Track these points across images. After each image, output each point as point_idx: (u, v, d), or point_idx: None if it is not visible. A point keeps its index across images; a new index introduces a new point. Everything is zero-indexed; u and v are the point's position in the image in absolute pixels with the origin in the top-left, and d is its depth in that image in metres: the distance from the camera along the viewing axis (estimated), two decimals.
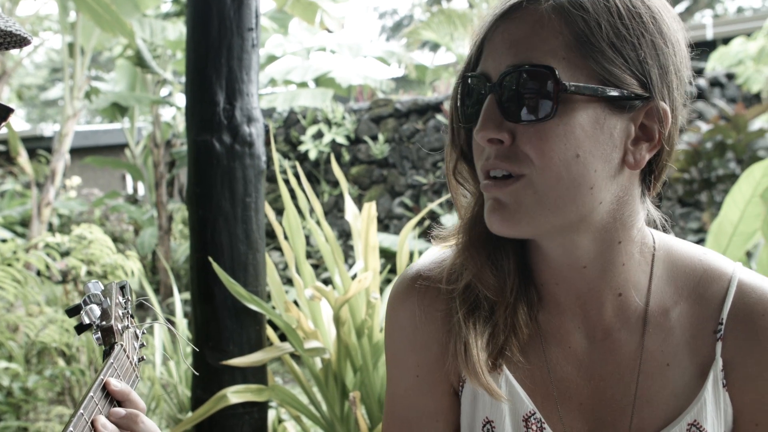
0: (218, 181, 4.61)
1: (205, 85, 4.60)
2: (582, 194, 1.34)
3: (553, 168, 1.31)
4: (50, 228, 13.52)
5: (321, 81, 14.00)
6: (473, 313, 1.50)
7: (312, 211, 9.44)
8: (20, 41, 1.19)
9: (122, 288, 1.70)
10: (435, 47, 27.27)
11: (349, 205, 5.49)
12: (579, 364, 1.50)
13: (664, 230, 1.59)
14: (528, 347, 1.50)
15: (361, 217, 5.11)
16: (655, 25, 1.35)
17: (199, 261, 4.67)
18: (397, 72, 17.81)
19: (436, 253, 1.64)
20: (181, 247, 12.87)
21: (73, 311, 1.60)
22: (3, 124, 1.16)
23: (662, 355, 1.46)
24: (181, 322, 6.70)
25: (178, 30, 10.79)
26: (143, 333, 1.71)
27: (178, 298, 7.05)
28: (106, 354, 1.50)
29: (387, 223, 11.52)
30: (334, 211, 11.94)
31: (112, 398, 1.39)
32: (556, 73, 1.29)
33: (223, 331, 4.65)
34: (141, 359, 1.64)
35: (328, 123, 12.15)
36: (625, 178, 1.39)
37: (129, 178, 21.56)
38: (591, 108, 1.32)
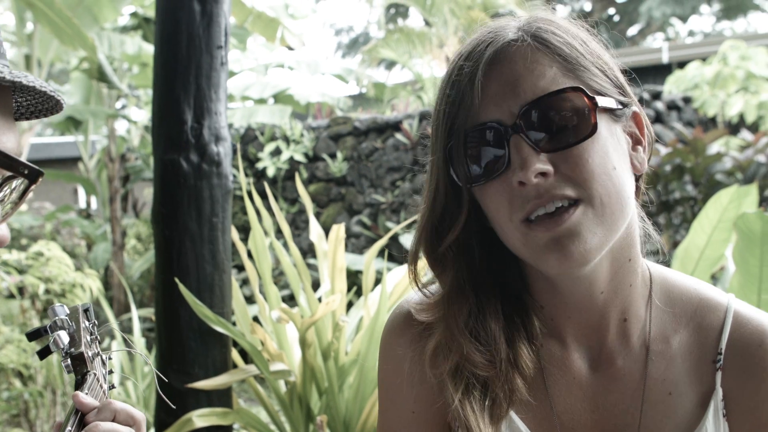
0: (185, 200, 4.54)
1: (173, 103, 4.54)
2: (627, 204, 1.36)
3: (603, 184, 1.32)
4: None
5: (279, 98, 13.98)
6: (468, 395, 1.46)
7: (278, 230, 9.41)
8: (55, 106, 1.18)
9: (86, 311, 1.65)
10: (391, 65, 27.38)
11: (314, 225, 5.45)
12: (583, 395, 1.49)
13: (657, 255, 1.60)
14: (531, 381, 1.48)
15: (329, 240, 5.08)
16: (598, 43, 1.44)
17: (164, 281, 4.60)
18: (354, 89, 17.84)
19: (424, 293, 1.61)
20: (135, 263, 12.73)
21: (33, 335, 1.58)
22: (34, 186, 1.13)
23: (664, 383, 1.47)
24: (139, 341, 6.62)
25: (136, 44, 10.72)
26: (110, 359, 1.66)
27: (136, 316, 6.98)
28: (79, 384, 1.47)
29: (345, 241, 11.49)
30: (291, 228, 11.88)
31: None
32: (586, 91, 1.32)
33: (188, 353, 4.58)
34: (111, 387, 1.61)
35: (287, 140, 12.10)
36: (632, 182, 1.42)
37: (81, 192, 21.35)
38: (604, 121, 1.35)
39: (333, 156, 11.78)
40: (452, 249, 1.46)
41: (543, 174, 1.30)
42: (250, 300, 9.63)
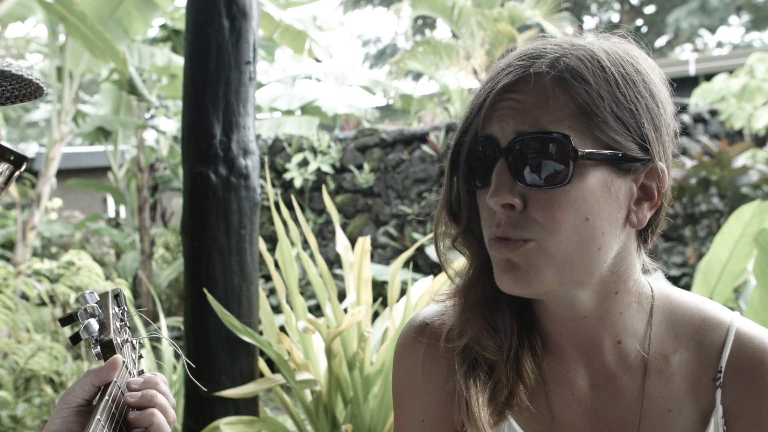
0: (213, 213, 4.63)
1: (202, 117, 4.63)
2: (590, 255, 1.39)
3: (563, 232, 1.36)
4: (34, 252, 13.47)
5: (307, 109, 14.05)
6: (472, 372, 1.53)
7: (305, 240, 9.46)
8: (36, 91, 1.20)
9: (116, 296, 1.67)
10: (417, 76, 27.41)
11: (340, 236, 5.52)
12: (583, 411, 1.53)
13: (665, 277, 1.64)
14: (532, 395, 1.53)
15: (355, 251, 5.15)
16: (647, 88, 1.41)
17: (193, 292, 4.69)
18: (381, 101, 17.88)
19: (441, 304, 1.68)
20: (164, 272, 12.83)
21: (66, 320, 1.59)
22: (18, 172, 1.16)
23: (663, 401, 1.50)
24: (168, 350, 6.69)
25: (166, 56, 10.82)
26: (140, 344, 1.69)
27: (165, 325, 7.04)
28: None
29: (371, 252, 11.53)
30: (318, 239, 11.94)
31: (118, 418, 1.36)
32: (572, 140, 1.34)
33: (216, 362, 4.67)
34: (141, 372, 1.61)
35: (314, 151, 12.18)
36: (625, 234, 1.44)
37: (110, 202, 21.50)
38: (599, 172, 1.37)
39: (360, 167, 11.84)
40: (475, 236, 1.53)
41: (511, 206, 1.36)
42: (276, 310, 9.70)
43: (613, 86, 1.37)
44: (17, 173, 1.16)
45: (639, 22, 30.55)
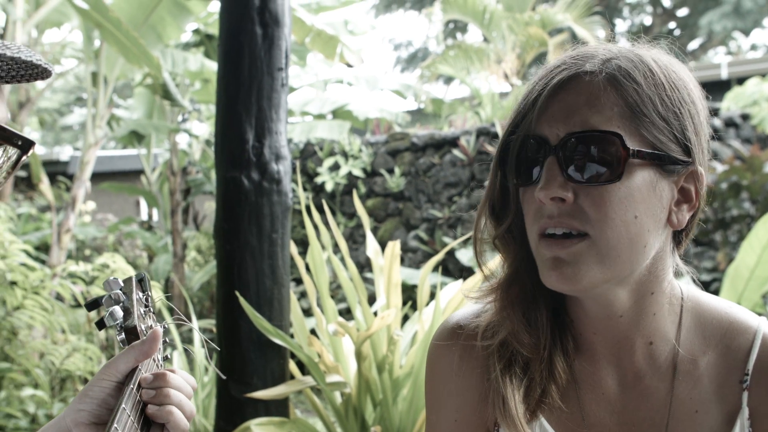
0: (246, 217, 4.70)
1: (235, 123, 4.70)
2: (637, 252, 1.44)
3: (615, 228, 1.41)
4: (68, 254, 13.61)
5: (338, 113, 14.09)
6: (509, 369, 1.57)
7: (335, 244, 9.50)
8: (42, 72, 1.20)
9: (140, 281, 1.68)
10: (448, 80, 27.39)
11: (371, 240, 5.57)
12: (612, 410, 1.57)
13: (693, 282, 1.68)
14: (563, 394, 1.57)
15: (385, 255, 5.19)
16: (689, 95, 1.47)
17: (225, 295, 4.75)
18: (413, 105, 17.90)
19: (475, 305, 1.73)
20: (196, 274, 12.93)
21: (92, 305, 1.60)
22: (26, 156, 1.17)
23: (691, 402, 1.54)
24: (200, 352, 6.76)
25: (199, 61, 10.89)
26: (166, 328, 1.65)
27: (197, 326, 7.11)
28: None
29: (402, 256, 11.56)
30: (348, 242, 12.00)
31: (143, 406, 1.38)
32: (624, 139, 1.39)
33: (248, 364, 4.73)
34: (165, 358, 1.62)
35: (345, 155, 12.24)
36: (665, 235, 1.49)
37: (143, 205, 21.64)
38: (646, 172, 1.42)
39: (391, 171, 11.89)
40: (514, 235, 1.57)
41: (561, 199, 1.41)
42: (307, 313, 9.76)
43: (661, 89, 1.43)
44: (24, 158, 1.18)
45: (672, 25, 30.36)
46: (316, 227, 5.31)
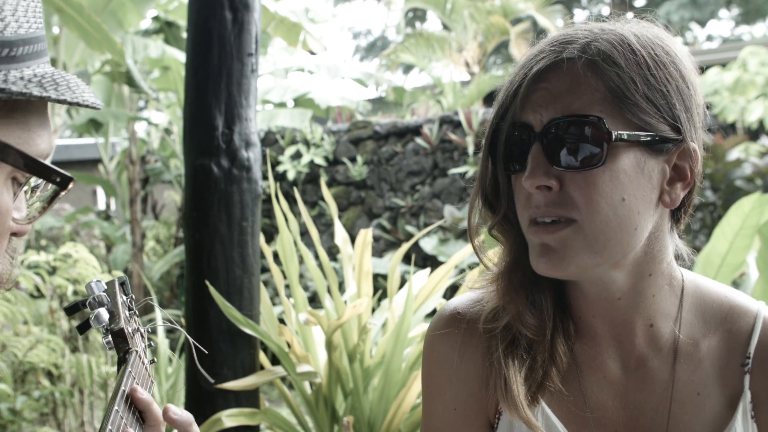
0: (215, 204, 4.63)
1: (205, 109, 4.62)
2: (627, 235, 1.41)
3: (602, 213, 1.38)
4: (27, 244, 13.41)
5: (299, 101, 14.02)
6: (512, 350, 1.55)
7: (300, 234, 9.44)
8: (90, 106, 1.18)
9: (122, 284, 1.62)
10: (407, 69, 27.37)
11: (339, 228, 5.53)
12: (614, 393, 1.55)
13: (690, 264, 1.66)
14: (565, 377, 1.55)
15: (356, 244, 5.15)
16: (677, 69, 1.43)
17: (194, 284, 4.68)
18: (373, 94, 17.88)
19: (471, 292, 1.70)
20: (155, 264, 12.80)
21: (71, 309, 1.56)
22: (63, 193, 1.14)
23: (693, 384, 1.53)
24: (163, 342, 6.68)
25: (160, 48, 10.78)
26: (149, 331, 1.65)
27: (160, 318, 7.03)
28: (122, 361, 1.46)
29: None
30: None
31: (135, 408, 1.36)
32: (605, 122, 1.36)
33: (217, 354, 4.66)
34: (152, 361, 1.60)
35: (307, 144, 12.17)
36: (658, 215, 1.46)
37: (101, 194, 21.42)
38: (632, 153, 1.39)
39: (353, 160, 11.84)
40: (511, 222, 1.54)
41: (548, 187, 1.39)
42: (272, 302, 9.68)
43: (644, 69, 1.40)
44: (62, 194, 1.14)
45: (629, 15, 30.51)
46: (284, 215, 5.25)
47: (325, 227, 11.67)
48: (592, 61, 1.39)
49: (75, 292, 6.56)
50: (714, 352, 1.54)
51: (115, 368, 6.47)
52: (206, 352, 1.85)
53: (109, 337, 1.49)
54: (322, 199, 11.67)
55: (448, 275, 5.05)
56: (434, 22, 30.65)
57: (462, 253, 5.04)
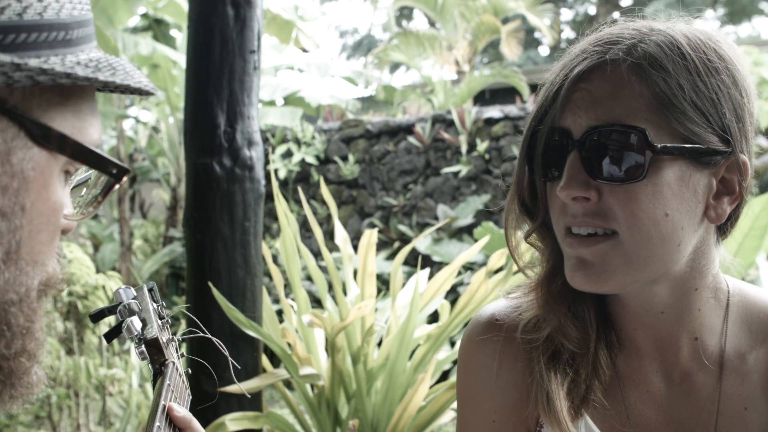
0: (217, 205, 4.55)
1: (206, 108, 4.54)
2: (670, 251, 1.35)
3: (643, 228, 1.31)
4: None
5: (290, 100, 13.94)
6: (554, 363, 1.49)
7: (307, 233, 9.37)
8: (145, 93, 1.12)
9: (151, 290, 1.55)
10: (395, 67, 27.35)
11: (339, 228, 5.46)
12: (657, 408, 1.49)
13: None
14: (607, 391, 1.49)
15: (361, 244, 5.09)
16: (730, 75, 1.35)
17: (196, 285, 4.61)
18: (363, 92, 17.83)
19: (512, 293, 1.63)
20: (145, 264, 12.70)
21: (97, 316, 1.50)
22: (118, 185, 1.07)
23: (740, 399, 1.46)
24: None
25: (150, 45, 10.69)
26: (182, 341, 1.60)
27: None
28: (157, 373, 1.41)
29: (355, 243, 11.46)
30: (302, 231, 11.87)
31: (174, 424, 1.31)
32: (648, 135, 1.29)
33: (220, 357, 4.58)
34: (182, 356, 1.54)
35: (298, 142, 12.09)
36: (704, 229, 1.39)
37: None
38: (677, 166, 1.32)
39: (344, 158, 11.78)
40: (549, 228, 1.47)
41: (585, 198, 1.33)
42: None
43: (694, 74, 1.31)
44: (117, 186, 1.07)
45: (616, 14, 30.60)
46: (272, 216, 5.18)
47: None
48: (638, 65, 1.31)
49: (70, 293, 6.47)
50: (762, 364, 1.47)
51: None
52: (238, 367, 1.77)
53: (143, 347, 1.41)
54: (314, 198, 11.61)
55: (453, 276, 4.99)
56: (421, 20, 30.65)
57: (467, 254, 4.98)
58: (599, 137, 1.31)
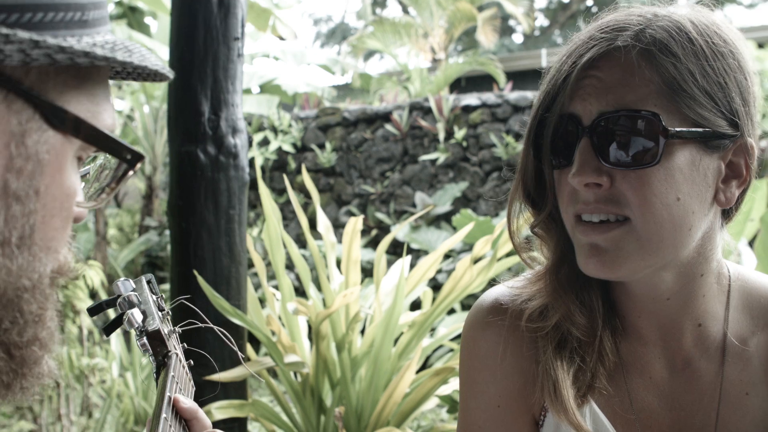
0: (202, 193, 4.52)
1: (190, 95, 4.51)
2: (682, 236, 1.35)
3: (656, 213, 1.32)
4: None
5: (266, 88, 13.90)
6: (560, 351, 1.49)
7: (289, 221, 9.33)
8: (160, 77, 1.08)
9: (149, 282, 1.53)
10: (369, 55, 27.30)
11: (321, 216, 5.45)
12: (660, 394, 1.50)
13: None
14: (610, 377, 1.50)
15: (346, 231, 5.08)
16: (735, 59, 1.36)
17: (180, 274, 4.58)
18: (339, 80, 17.79)
19: (511, 281, 1.63)
20: (121, 253, 12.64)
21: (95, 310, 1.46)
22: (132, 171, 1.05)
23: (741, 384, 1.47)
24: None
25: (126, 33, 10.62)
26: (179, 333, 1.56)
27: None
28: (161, 365, 1.39)
29: (334, 232, 11.45)
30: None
31: (180, 416, 1.29)
32: (662, 118, 1.29)
33: (205, 346, 4.56)
34: (189, 364, 1.52)
35: (275, 130, 12.06)
36: (713, 213, 1.40)
37: None
38: (687, 150, 1.32)
39: (321, 146, 11.75)
40: (555, 218, 1.48)
41: (597, 184, 1.33)
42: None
43: (702, 59, 1.32)
44: (131, 172, 1.05)
45: (589, 2, 30.68)
46: (255, 204, 5.16)
47: (293, 215, 11.57)
48: (647, 51, 1.31)
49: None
50: (763, 349, 1.49)
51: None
52: (243, 356, 1.77)
53: (144, 340, 1.40)
54: (291, 186, 11.58)
55: (437, 263, 4.99)
56: (395, 8, 30.57)
57: (451, 241, 4.99)
58: (610, 123, 1.31)
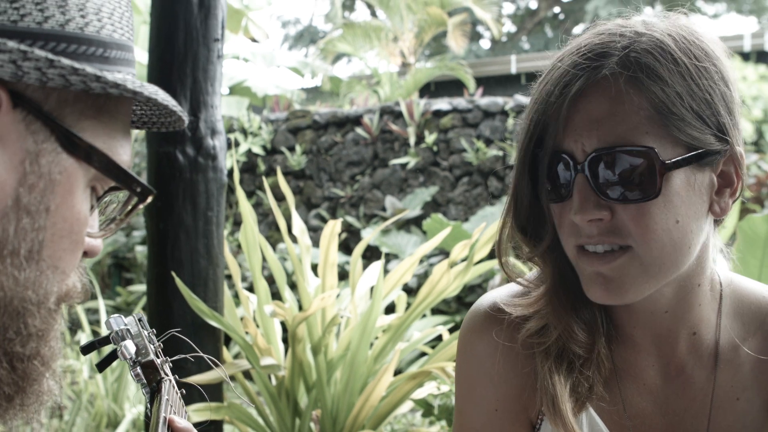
0: (180, 194, 4.51)
1: (169, 96, 4.49)
2: (682, 255, 1.37)
3: (658, 239, 1.33)
4: None
5: (236, 89, 13.85)
6: (558, 364, 1.50)
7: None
8: (176, 122, 1.16)
9: (140, 320, 1.57)
10: (337, 58, 27.28)
11: (296, 219, 5.45)
12: (653, 400, 1.52)
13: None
14: (605, 384, 1.51)
15: (323, 235, 5.08)
16: (717, 71, 1.37)
17: (158, 275, 4.56)
18: (309, 83, 17.77)
19: (510, 285, 1.64)
20: None
21: (88, 348, 1.52)
22: (142, 205, 1.09)
23: (732, 390, 1.49)
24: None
25: None
26: (170, 364, 1.59)
27: (103, 305, 6.92)
28: (154, 392, 1.43)
29: None
30: None
31: None
32: (657, 152, 1.30)
33: (181, 348, 4.54)
34: (181, 392, 1.55)
35: (244, 132, 12.01)
36: (707, 224, 1.41)
37: None
38: (682, 173, 1.34)
39: (291, 149, 11.72)
40: (551, 247, 1.48)
41: (599, 219, 1.34)
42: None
43: (687, 79, 1.33)
44: (141, 206, 1.09)
45: (557, 9, 30.86)
46: (231, 205, 5.15)
47: (262, 217, 11.53)
48: (634, 78, 1.31)
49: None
50: (753, 355, 1.50)
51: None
52: (219, 364, 1.77)
53: (138, 370, 1.45)
54: (260, 188, 11.54)
55: (414, 267, 5.00)
56: (363, 12, 30.57)
57: (427, 246, 5.01)
58: (606, 159, 1.32)
